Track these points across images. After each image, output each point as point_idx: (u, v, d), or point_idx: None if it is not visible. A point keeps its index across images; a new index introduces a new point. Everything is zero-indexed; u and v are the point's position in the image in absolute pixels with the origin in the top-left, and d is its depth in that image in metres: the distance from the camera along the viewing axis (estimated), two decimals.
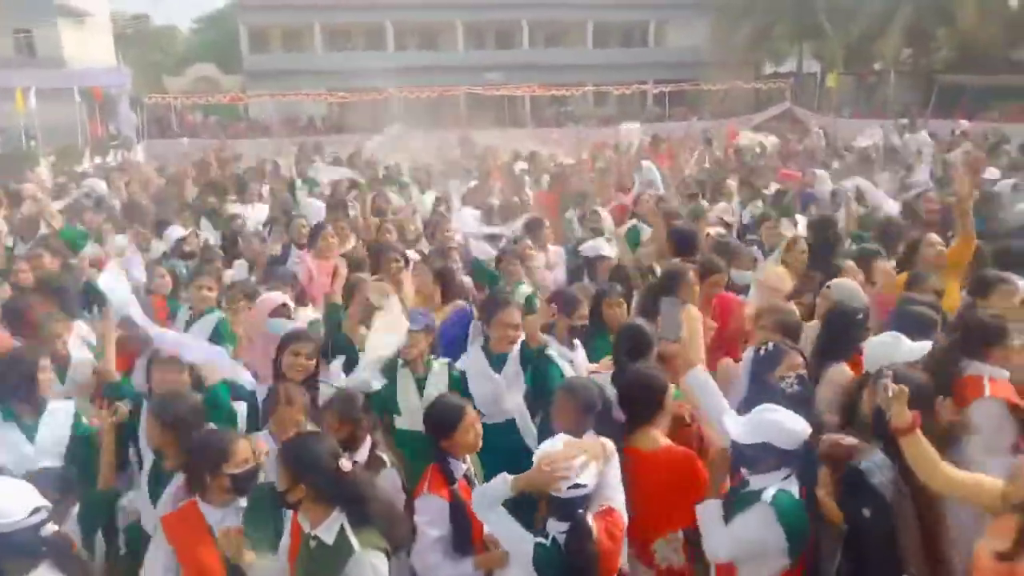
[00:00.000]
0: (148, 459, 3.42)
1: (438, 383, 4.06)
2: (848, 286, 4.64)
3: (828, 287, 4.66)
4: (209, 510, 2.85)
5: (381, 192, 9.05)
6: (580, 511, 2.64)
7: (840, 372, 3.81)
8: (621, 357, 3.71)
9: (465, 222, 6.90)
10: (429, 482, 3.05)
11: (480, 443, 3.21)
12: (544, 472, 2.63)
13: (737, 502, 2.88)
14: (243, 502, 2.89)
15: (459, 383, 4.08)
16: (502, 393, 4.03)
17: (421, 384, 4.07)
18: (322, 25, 39.01)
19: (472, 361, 4.18)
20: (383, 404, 4.03)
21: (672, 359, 3.63)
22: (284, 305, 4.32)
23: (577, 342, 4.35)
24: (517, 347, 4.11)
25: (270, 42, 40.29)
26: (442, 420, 3.15)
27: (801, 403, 3.14)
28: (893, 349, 3.44)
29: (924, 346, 3.52)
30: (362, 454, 3.19)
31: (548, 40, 43.02)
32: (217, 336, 4.63)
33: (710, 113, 33.66)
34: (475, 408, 3.50)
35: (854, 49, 32.34)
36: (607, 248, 5.98)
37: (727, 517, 2.86)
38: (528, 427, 4.06)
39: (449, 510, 2.99)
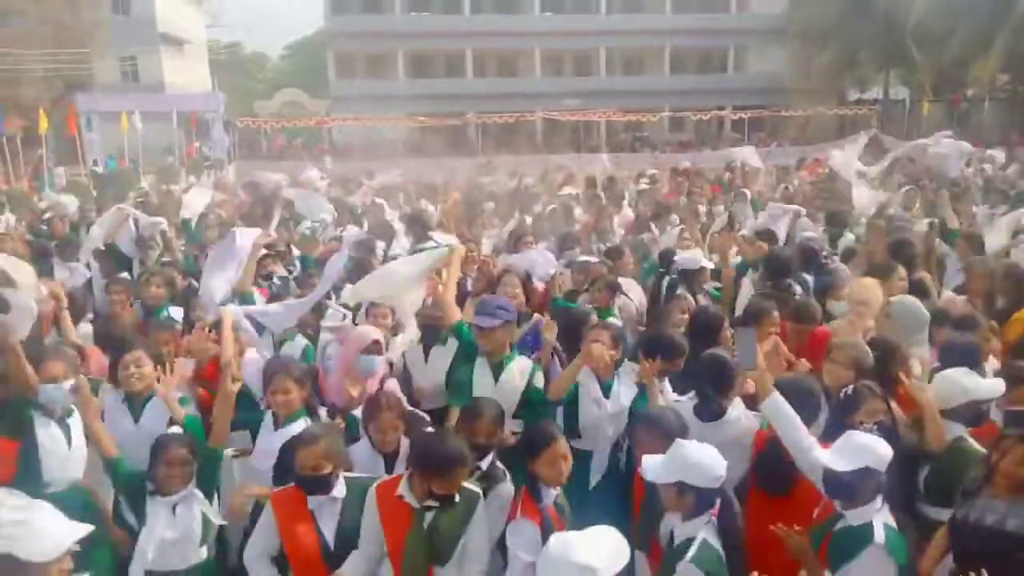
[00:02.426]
0: None
1: (516, 369, 4.10)
2: (910, 304, 4.45)
3: (889, 303, 4.48)
4: (310, 496, 3.13)
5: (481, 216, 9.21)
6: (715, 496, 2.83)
7: None
8: (704, 386, 3.72)
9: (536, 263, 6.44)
10: (521, 506, 3.11)
11: (564, 479, 3.19)
12: None
13: (839, 542, 2.77)
14: (339, 492, 3.15)
15: (535, 372, 4.14)
16: (605, 421, 3.97)
17: (497, 371, 4.10)
18: (405, 52, 40.28)
19: (583, 381, 4.06)
20: (459, 394, 4.13)
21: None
22: (376, 342, 4.23)
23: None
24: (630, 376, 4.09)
25: (355, 68, 41.76)
26: (529, 442, 3.22)
27: None
28: (969, 384, 3.44)
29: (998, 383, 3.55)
30: (486, 462, 3.38)
31: (625, 67, 43.17)
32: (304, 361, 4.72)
33: (790, 140, 33.03)
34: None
35: (945, 75, 31.23)
36: (704, 259, 5.81)
37: (832, 561, 2.77)
38: (604, 463, 4.01)
39: (541, 534, 3.01)
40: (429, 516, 2.98)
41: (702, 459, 2.79)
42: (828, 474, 2.80)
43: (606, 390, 4.00)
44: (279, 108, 38.32)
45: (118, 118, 21.44)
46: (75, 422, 3.63)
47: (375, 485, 3.10)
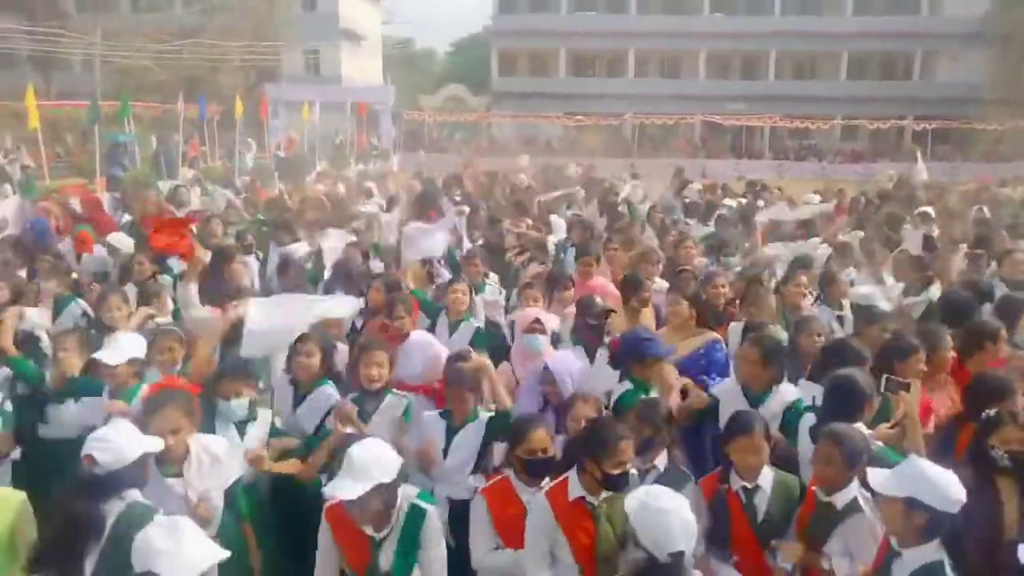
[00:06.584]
0: None
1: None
2: None
3: None
4: (520, 486, 3.16)
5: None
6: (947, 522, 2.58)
7: None
8: (829, 409, 3.44)
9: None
10: (705, 479, 3.30)
11: (752, 472, 3.19)
12: None
13: None
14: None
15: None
16: None
17: None
18: (567, 51, 40.57)
19: (727, 392, 4.01)
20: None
21: None
22: (537, 320, 4.47)
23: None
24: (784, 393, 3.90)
25: (517, 66, 42.56)
26: (728, 425, 3.29)
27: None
28: None
29: None
30: (661, 460, 3.39)
31: (796, 71, 41.15)
32: (475, 344, 4.78)
33: (981, 155, 30.14)
34: None
35: None
36: (883, 300, 5.31)
37: None
38: None
39: (706, 510, 3.13)
40: (603, 509, 2.95)
41: (941, 477, 2.56)
42: None
43: (755, 402, 3.83)
44: (442, 103, 39.77)
45: (299, 107, 23.06)
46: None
47: (545, 492, 2.99)
